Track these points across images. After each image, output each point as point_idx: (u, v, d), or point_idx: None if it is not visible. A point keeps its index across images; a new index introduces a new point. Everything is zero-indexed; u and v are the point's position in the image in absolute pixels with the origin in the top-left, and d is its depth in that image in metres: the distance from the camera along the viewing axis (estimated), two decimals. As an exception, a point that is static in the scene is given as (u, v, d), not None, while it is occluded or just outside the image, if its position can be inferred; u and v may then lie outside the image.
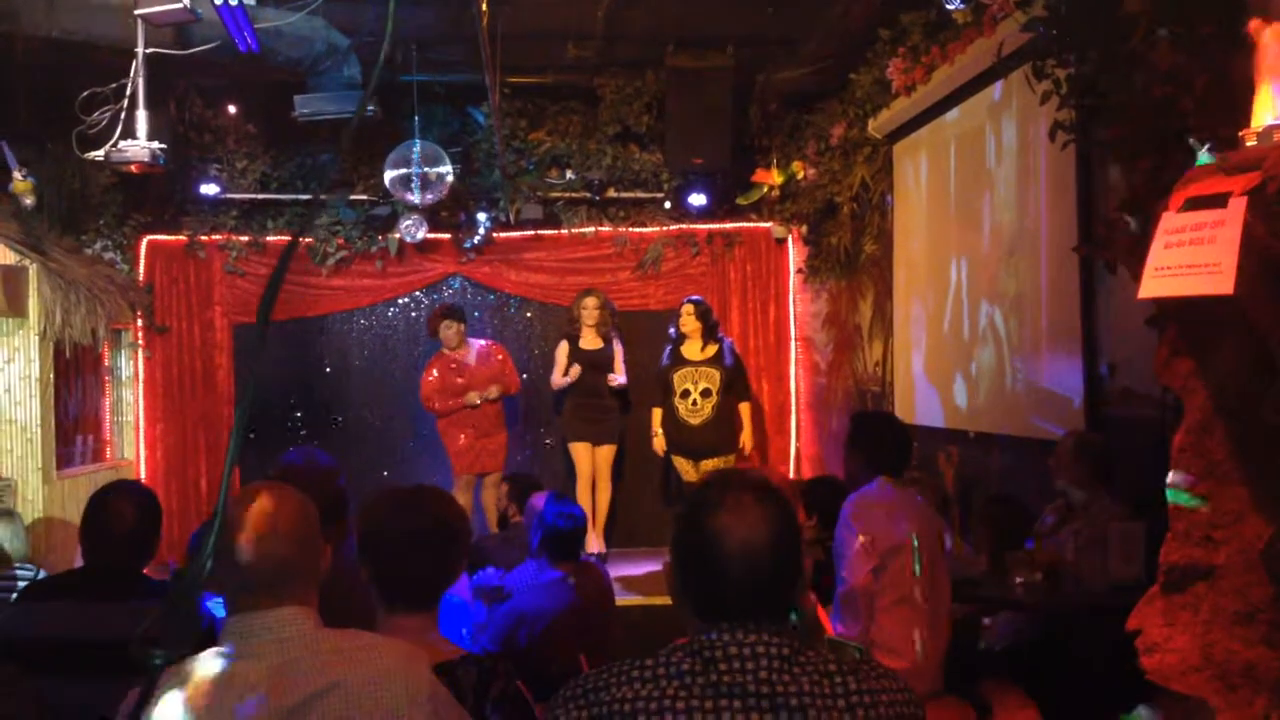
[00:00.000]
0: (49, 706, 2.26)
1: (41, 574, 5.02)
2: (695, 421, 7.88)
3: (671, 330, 8.14)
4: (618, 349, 8.28)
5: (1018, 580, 4.27)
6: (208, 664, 1.96)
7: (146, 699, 1.55)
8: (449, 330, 8.16)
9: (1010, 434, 5.83)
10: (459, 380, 8.13)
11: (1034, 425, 5.54)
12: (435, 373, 8.19)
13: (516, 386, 8.41)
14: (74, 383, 7.55)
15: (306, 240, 8.70)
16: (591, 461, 8.22)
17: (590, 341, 8.26)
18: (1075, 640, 4.28)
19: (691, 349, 8.00)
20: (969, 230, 6.27)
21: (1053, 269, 5.38)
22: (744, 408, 8.09)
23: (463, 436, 8.14)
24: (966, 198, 6.33)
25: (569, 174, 8.89)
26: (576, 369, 8.11)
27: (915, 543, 3.90)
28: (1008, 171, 5.82)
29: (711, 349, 7.98)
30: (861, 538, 3.90)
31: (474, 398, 8.05)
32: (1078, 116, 4.11)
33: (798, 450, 9.07)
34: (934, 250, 6.77)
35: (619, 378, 8.17)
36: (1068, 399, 5.24)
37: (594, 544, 7.98)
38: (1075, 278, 5.11)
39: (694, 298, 8.15)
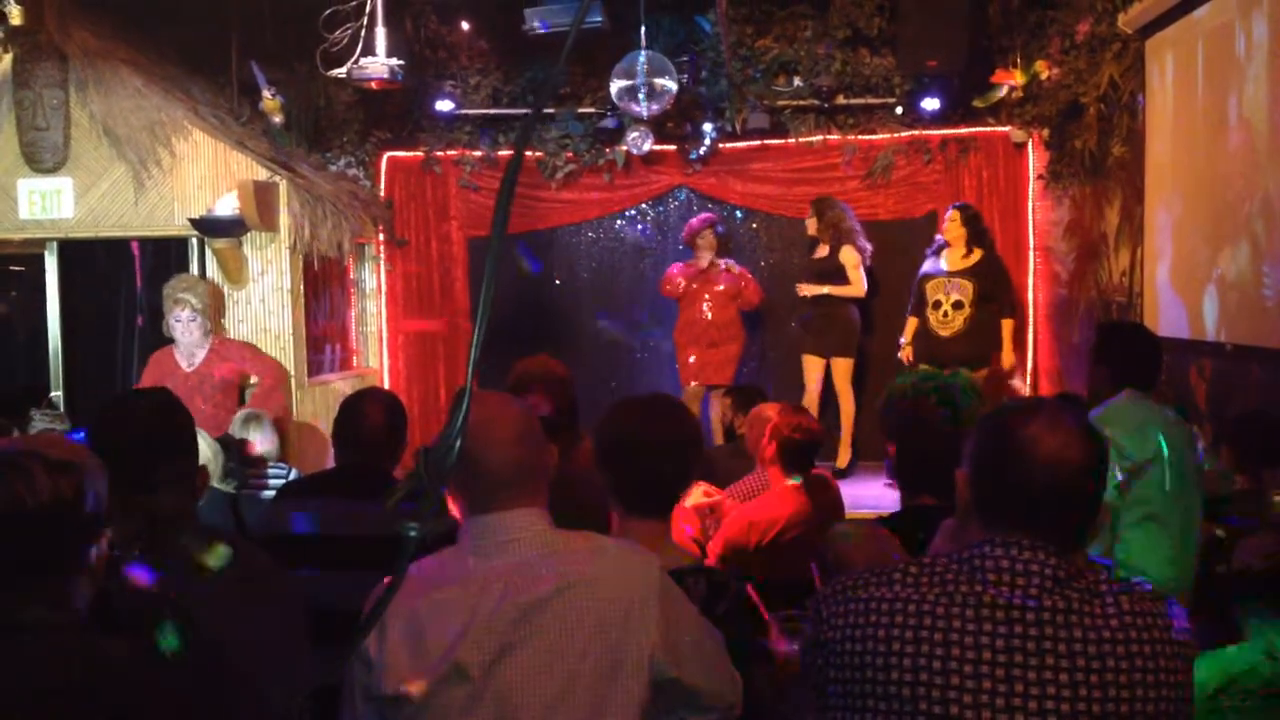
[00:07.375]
0: (303, 597, 2.40)
1: (294, 473, 5.34)
2: (945, 333, 7.66)
3: (938, 237, 7.92)
4: (849, 256, 8.02)
5: (1277, 498, 4.04)
6: (448, 563, 2.03)
7: (398, 580, 1.62)
8: (704, 239, 8.28)
9: (1269, 346, 5.47)
10: (694, 284, 8.26)
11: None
12: (677, 266, 8.41)
13: (753, 301, 8.36)
14: (322, 294, 7.91)
15: (536, 154, 8.82)
16: (819, 375, 8.09)
17: (818, 250, 8.18)
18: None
19: (951, 257, 7.75)
20: (1216, 131, 5.89)
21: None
22: (1006, 324, 7.75)
23: (692, 347, 8.23)
24: (1213, 98, 5.94)
25: (797, 81, 8.62)
26: (810, 288, 8.01)
27: (1166, 456, 3.71)
28: (1258, 69, 5.45)
29: (975, 256, 7.71)
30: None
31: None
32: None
33: (1035, 364, 8.72)
34: (1179, 153, 6.39)
35: (811, 288, 8.01)
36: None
37: (840, 457, 8.00)
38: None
39: (960, 204, 7.94)
